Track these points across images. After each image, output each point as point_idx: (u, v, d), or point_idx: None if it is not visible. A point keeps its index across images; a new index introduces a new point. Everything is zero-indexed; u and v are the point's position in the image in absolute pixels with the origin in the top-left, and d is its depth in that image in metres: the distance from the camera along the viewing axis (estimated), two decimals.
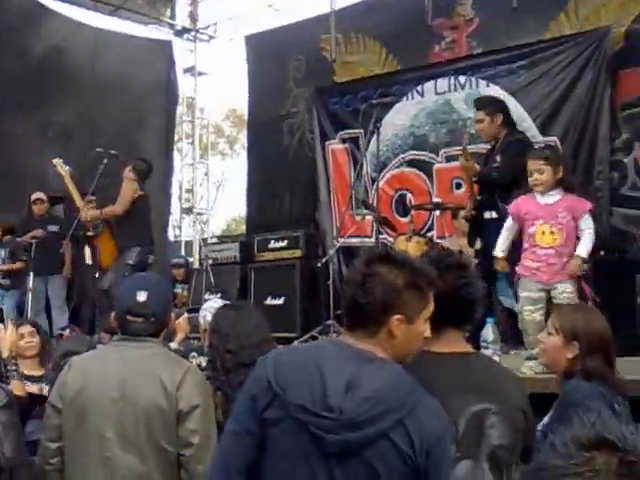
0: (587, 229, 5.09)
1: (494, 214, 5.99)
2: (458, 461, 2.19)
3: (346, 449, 1.92)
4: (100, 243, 8.87)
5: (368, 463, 1.93)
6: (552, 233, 5.10)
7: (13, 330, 3.95)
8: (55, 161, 8.24)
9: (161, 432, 2.79)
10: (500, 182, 5.88)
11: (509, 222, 5.28)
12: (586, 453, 0.99)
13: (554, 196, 5.13)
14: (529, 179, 5.18)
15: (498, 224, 5.70)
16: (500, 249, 5.32)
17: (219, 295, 7.50)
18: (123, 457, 2.78)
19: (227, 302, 5.68)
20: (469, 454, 2.18)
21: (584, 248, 5.08)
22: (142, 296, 2.90)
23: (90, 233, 9.17)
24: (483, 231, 6.17)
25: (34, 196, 9.14)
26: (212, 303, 5.36)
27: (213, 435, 2.86)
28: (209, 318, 5.05)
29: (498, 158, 6.00)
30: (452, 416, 2.13)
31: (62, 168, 8.18)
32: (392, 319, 2.06)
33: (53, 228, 9.03)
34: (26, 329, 4.68)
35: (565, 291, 5.01)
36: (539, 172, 5.12)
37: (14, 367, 4.01)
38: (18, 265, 8.96)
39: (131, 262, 7.15)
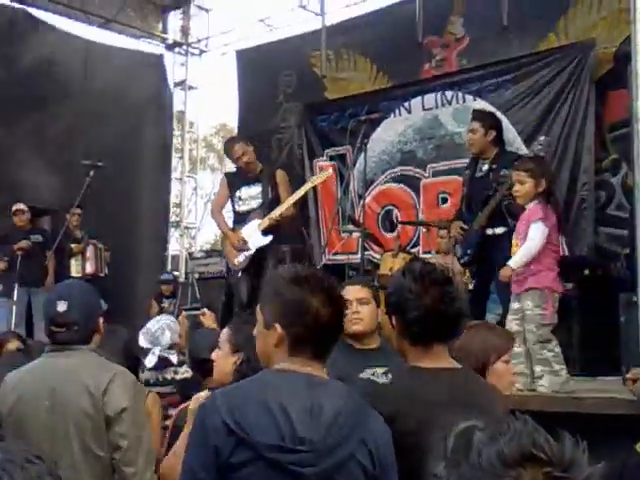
0: (529, 239, 5.04)
1: (501, 230, 5.87)
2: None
3: (323, 478, 1.92)
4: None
5: None
6: (517, 245, 5.13)
7: None
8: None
9: (92, 439, 2.79)
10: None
11: None
12: (512, 472, 0.94)
13: (527, 209, 5.11)
14: (512, 190, 5.17)
15: (504, 239, 5.63)
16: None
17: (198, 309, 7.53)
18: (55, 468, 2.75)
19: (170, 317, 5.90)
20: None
21: (515, 258, 5.07)
22: (62, 306, 2.91)
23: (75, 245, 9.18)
24: (484, 248, 6.00)
25: (14, 207, 9.12)
26: (165, 320, 5.46)
27: (144, 436, 2.88)
28: (168, 335, 5.14)
29: (505, 172, 5.90)
30: (442, 432, 2.11)
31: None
32: None
33: (36, 239, 8.98)
34: (14, 345, 4.66)
35: (526, 307, 5.01)
36: (520, 183, 5.10)
37: None
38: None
39: None
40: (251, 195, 7.00)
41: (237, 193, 7.07)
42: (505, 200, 5.70)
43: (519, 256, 5.04)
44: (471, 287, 6.43)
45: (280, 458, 1.89)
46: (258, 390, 2.00)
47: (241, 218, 7.05)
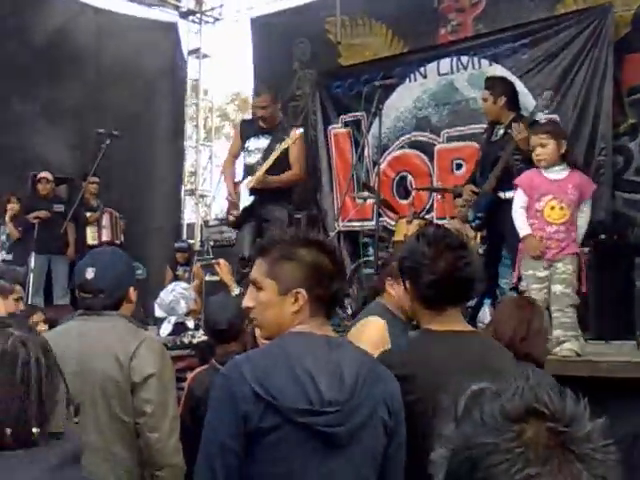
0: (587, 213, 5.03)
1: (511, 194, 5.78)
2: (449, 442, 2.20)
3: (351, 436, 1.97)
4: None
5: (367, 444, 2.01)
6: (562, 209, 4.96)
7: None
8: None
9: (117, 403, 2.82)
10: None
11: (523, 198, 5.07)
12: (515, 426, 0.94)
13: (562, 172, 5.00)
14: (533, 154, 5.10)
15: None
16: (528, 228, 5.06)
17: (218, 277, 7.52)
18: (82, 433, 2.80)
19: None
20: None
21: (581, 232, 5.04)
22: (90, 273, 2.94)
23: (91, 213, 9.24)
24: (497, 212, 5.92)
25: (40, 175, 9.16)
26: (178, 290, 5.44)
27: (170, 404, 2.90)
28: (183, 304, 5.16)
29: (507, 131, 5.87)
30: (452, 395, 2.13)
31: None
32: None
33: (58, 208, 9.04)
34: (39, 318, 4.70)
35: (566, 271, 4.90)
36: (542, 146, 5.02)
37: None
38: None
39: None
40: (258, 147, 6.67)
41: (247, 143, 6.78)
42: (517, 164, 5.66)
43: (583, 229, 5.06)
44: (481, 251, 6.41)
45: (310, 421, 1.92)
46: (281, 355, 2.01)
47: (249, 170, 6.72)
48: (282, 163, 6.47)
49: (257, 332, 3.06)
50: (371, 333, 3.42)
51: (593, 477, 0.90)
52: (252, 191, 6.55)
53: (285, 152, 6.45)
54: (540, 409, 0.95)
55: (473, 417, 1.00)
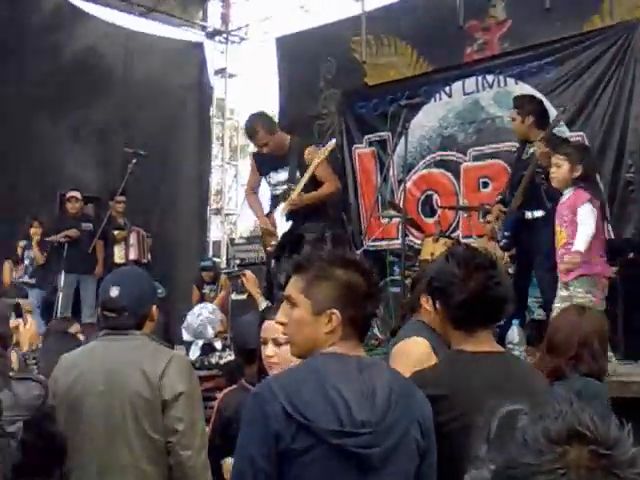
0: (581, 221, 4.95)
1: (539, 213, 5.85)
2: (490, 463, 2.19)
3: (384, 458, 1.95)
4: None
5: (399, 465, 1.99)
6: (560, 232, 5.07)
7: (33, 324, 4.00)
8: None
9: (147, 421, 2.83)
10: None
11: None
12: (558, 448, 0.94)
13: (567, 195, 5.06)
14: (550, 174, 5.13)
15: (543, 223, 5.61)
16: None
17: (245, 295, 7.52)
18: (111, 450, 2.83)
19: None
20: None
21: (578, 243, 4.95)
22: (114, 292, 2.96)
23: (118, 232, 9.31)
24: (522, 231, 5.98)
25: (69, 194, 9.26)
26: (205, 314, 5.43)
27: (199, 421, 2.93)
28: (210, 330, 5.16)
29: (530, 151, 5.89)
30: (486, 416, 2.12)
31: None
32: None
33: (87, 227, 9.13)
34: (75, 329, 4.75)
35: (578, 294, 4.91)
36: (557, 166, 5.06)
37: (34, 361, 4.06)
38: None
39: None
40: (280, 180, 6.59)
41: (268, 179, 6.72)
42: (544, 183, 5.65)
43: (581, 240, 4.93)
44: (511, 271, 6.39)
45: (344, 442, 1.90)
46: (313, 375, 1.99)
47: (276, 202, 6.69)
48: (312, 182, 6.37)
49: (285, 348, 2.73)
50: (418, 350, 3.38)
51: None
52: (288, 215, 6.50)
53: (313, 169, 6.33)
54: (583, 432, 0.95)
55: (516, 438, 1.00)
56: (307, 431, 1.90)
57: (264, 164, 6.71)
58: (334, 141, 6.57)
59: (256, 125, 6.51)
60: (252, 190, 6.99)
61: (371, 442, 1.93)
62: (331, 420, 1.91)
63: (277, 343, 2.88)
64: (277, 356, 2.88)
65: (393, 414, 1.97)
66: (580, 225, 4.96)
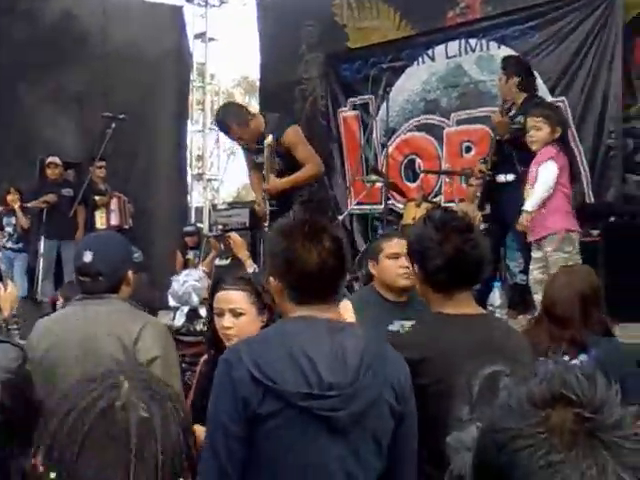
0: (539, 181, 4.96)
1: (510, 177, 5.91)
2: (470, 424, 2.19)
3: (353, 421, 1.94)
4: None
5: (369, 428, 1.98)
6: (527, 191, 5.09)
7: (13, 288, 3.95)
8: None
9: None
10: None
11: None
12: (541, 412, 0.93)
13: (538, 154, 5.06)
14: (527, 136, 5.11)
15: (514, 187, 5.63)
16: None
17: (229, 260, 7.49)
18: None
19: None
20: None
21: (529, 202, 4.97)
22: (87, 257, 2.93)
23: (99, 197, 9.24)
24: (495, 195, 6.08)
25: (49, 160, 9.19)
26: (190, 282, 5.35)
27: (175, 384, 2.87)
28: (195, 298, 5.13)
29: (520, 120, 5.89)
30: (467, 378, 2.13)
31: None
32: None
33: (67, 192, 9.05)
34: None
35: (548, 253, 4.97)
36: (536, 129, 5.04)
37: (15, 326, 4.02)
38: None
39: None
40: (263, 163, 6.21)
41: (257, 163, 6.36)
42: (513, 151, 5.72)
43: (533, 198, 4.97)
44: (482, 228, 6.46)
45: (311, 405, 1.90)
46: (280, 339, 2.01)
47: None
48: (291, 164, 6.08)
49: (244, 319, 2.86)
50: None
51: (621, 465, 0.88)
52: (271, 202, 6.18)
53: (285, 152, 6.04)
54: (567, 395, 0.93)
55: (499, 401, 0.99)
56: (274, 395, 1.90)
57: (250, 152, 6.44)
58: (271, 137, 5.95)
59: (227, 120, 6.21)
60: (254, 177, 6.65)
61: (339, 405, 1.92)
62: (299, 383, 1.91)
63: (235, 314, 2.84)
64: (236, 327, 2.83)
65: (365, 377, 1.95)
66: (536, 184, 4.97)
